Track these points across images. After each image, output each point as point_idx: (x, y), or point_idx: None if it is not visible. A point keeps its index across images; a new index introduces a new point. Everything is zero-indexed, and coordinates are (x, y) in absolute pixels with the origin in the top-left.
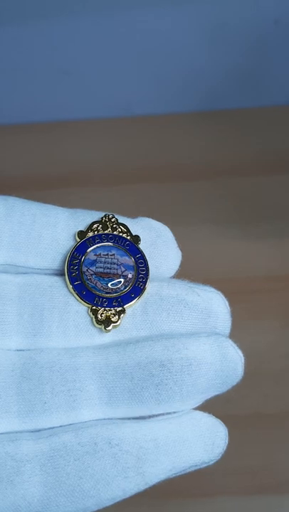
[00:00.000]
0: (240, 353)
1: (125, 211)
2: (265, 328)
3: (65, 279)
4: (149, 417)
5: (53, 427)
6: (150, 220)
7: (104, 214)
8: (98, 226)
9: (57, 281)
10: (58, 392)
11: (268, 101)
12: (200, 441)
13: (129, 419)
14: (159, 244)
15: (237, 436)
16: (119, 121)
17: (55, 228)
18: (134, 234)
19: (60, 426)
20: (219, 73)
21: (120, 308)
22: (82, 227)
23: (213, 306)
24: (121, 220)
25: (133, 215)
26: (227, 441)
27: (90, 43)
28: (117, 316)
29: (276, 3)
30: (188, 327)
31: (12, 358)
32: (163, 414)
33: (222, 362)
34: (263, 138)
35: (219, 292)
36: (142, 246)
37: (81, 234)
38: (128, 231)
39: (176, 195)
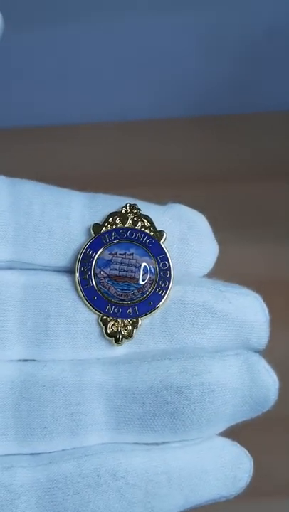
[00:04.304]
0: (274, 376)
1: None
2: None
3: (74, 282)
4: (163, 442)
5: (55, 451)
6: (182, 207)
7: (125, 203)
8: (116, 218)
9: (66, 282)
10: (60, 416)
11: (262, 107)
12: (220, 474)
13: (140, 444)
14: (190, 238)
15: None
16: (113, 126)
17: (68, 220)
18: (162, 225)
19: (63, 450)
20: (213, 80)
21: (134, 320)
22: (100, 219)
23: (248, 315)
24: (146, 209)
25: None
26: (251, 474)
27: (88, 49)
28: (130, 328)
29: (270, 13)
30: (216, 340)
31: (12, 374)
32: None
33: (251, 387)
34: (258, 144)
35: (258, 296)
36: (170, 241)
37: (96, 228)
38: (152, 225)
39: (171, 201)
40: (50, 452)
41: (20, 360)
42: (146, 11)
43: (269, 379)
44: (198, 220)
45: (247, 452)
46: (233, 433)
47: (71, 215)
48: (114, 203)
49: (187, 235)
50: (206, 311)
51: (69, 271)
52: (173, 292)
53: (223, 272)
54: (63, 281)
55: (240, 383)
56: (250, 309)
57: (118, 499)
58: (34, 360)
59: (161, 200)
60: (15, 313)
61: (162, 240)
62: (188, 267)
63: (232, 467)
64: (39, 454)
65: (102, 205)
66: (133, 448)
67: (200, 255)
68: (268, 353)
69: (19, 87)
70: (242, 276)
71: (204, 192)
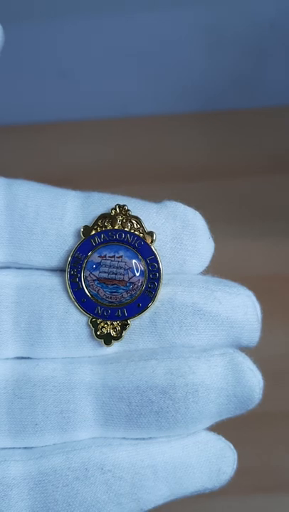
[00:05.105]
0: (258, 375)
1: None
2: (262, 328)
3: (65, 284)
4: (150, 438)
5: (46, 445)
6: (177, 205)
7: (115, 204)
8: (105, 220)
9: (58, 284)
10: (50, 414)
11: (264, 102)
12: (204, 467)
13: (127, 439)
14: (185, 236)
15: (234, 436)
16: (115, 122)
17: (62, 222)
18: (155, 224)
19: (54, 444)
20: (216, 75)
21: (123, 322)
22: (93, 219)
23: (238, 315)
24: (140, 207)
25: None
26: (235, 467)
27: (88, 44)
28: (119, 329)
29: (272, 8)
30: (205, 340)
31: (6, 373)
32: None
33: (235, 387)
34: (260, 138)
35: (250, 294)
36: (162, 240)
37: (86, 230)
38: (141, 226)
39: (173, 196)
40: (41, 446)
41: (14, 358)
42: (149, 5)
43: (253, 379)
44: (194, 217)
45: (231, 446)
46: (238, 428)
47: (65, 216)
48: (108, 202)
49: (181, 234)
50: (195, 312)
51: (62, 270)
52: (162, 293)
53: (223, 266)
54: (55, 283)
55: (224, 383)
56: (241, 309)
57: (105, 491)
58: (28, 358)
59: (161, 195)
60: (9, 314)
61: (152, 241)
62: (182, 266)
63: (216, 460)
64: (31, 448)
65: (96, 205)
66: (120, 442)
67: (194, 254)
68: (267, 349)
69: (19, 82)
70: (242, 270)
71: (206, 187)
